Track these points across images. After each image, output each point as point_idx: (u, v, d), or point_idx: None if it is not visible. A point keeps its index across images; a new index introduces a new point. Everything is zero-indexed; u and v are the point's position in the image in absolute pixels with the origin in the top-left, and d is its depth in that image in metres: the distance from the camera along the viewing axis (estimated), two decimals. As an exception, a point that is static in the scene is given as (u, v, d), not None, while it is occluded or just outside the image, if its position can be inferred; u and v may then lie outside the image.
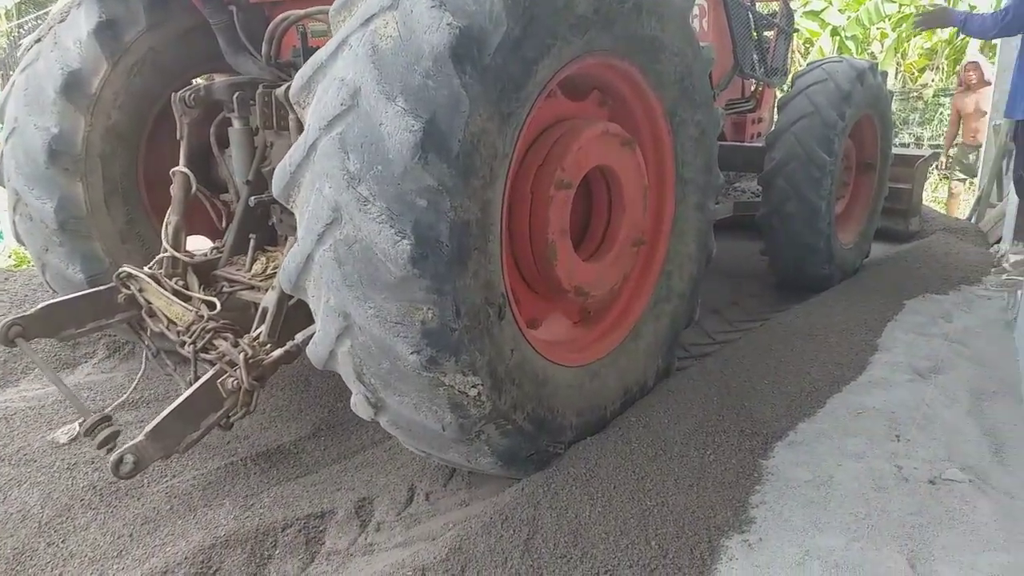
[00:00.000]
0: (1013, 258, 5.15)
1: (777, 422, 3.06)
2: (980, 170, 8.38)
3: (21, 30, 15.02)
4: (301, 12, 3.01)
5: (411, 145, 2.00)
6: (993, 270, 5.28)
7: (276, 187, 2.28)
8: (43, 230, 3.45)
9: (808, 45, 14.47)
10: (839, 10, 14.13)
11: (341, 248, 2.12)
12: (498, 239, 2.31)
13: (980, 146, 8.71)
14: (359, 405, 2.40)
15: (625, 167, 2.97)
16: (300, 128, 2.50)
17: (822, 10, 13.88)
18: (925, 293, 4.80)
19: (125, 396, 3.47)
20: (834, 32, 14.00)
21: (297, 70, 2.84)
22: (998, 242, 6.12)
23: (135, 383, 3.45)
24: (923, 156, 6.45)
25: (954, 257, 5.61)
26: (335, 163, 2.08)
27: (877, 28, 14.38)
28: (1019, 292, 4.37)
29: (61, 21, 3.51)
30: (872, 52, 14.38)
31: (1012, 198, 5.65)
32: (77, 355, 4.12)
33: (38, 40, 3.53)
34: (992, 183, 7.30)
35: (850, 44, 13.96)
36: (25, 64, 3.50)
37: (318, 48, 2.40)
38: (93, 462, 3.10)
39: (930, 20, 5.65)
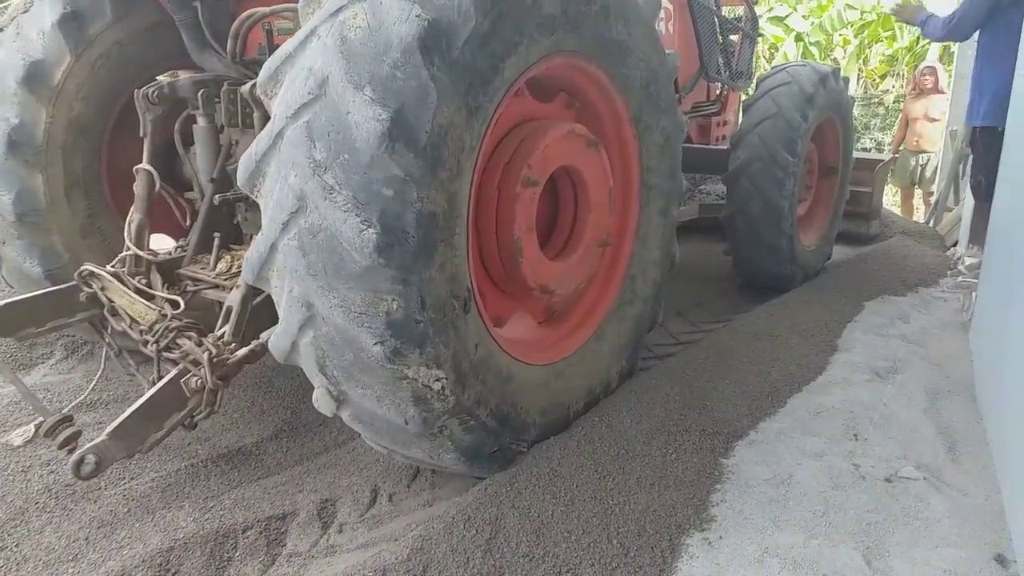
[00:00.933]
0: (968, 261, 5.27)
1: (738, 421, 3.10)
2: (938, 175, 8.56)
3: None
4: (266, 9, 2.98)
5: (378, 134, 1.99)
6: (949, 273, 5.40)
7: (241, 176, 2.26)
8: (0, 223, 3.39)
9: (773, 50, 14.69)
10: (803, 16, 14.36)
11: (306, 237, 2.10)
12: (464, 233, 2.31)
13: (923, 152, 8.88)
14: (321, 400, 2.37)
15: (591, 168, 2.99)
16: (266, 124, 2.45)
17: (786, 16, 14.09)
18: (884, 295, 4.89)
19: (84, 396, 3.41)
20: (798, 38, 14.22)
21: (262, 66, 2.85)
22: (954, 245, 6.26)
23: (93, 383, 3.40)
24: (883, 161, 6.60)
25: (912, 260, 5.72)
26: (301, 151, 2.07)
27: (840, 34, 14.64)
28: (973, 294, 4.47)
29: (24, 12, 3.43)
30: (835, 58, 14.63)
31: (968, 202, 5.79)
32: (34, 356, 4.03)
33: (0, 30, 3.45)
34: (949, 187, 7.47)
35: (814, 49, 14.20)
36: None
37: (281, 43, 2.45)
38: (48, 464, 3.04)
39: (901, 13, 5.85)
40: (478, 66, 2.20)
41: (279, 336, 2.33)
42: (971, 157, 5.55)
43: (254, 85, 2.65)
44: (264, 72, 2.25)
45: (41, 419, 2.68)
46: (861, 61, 14.70)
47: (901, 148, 9.10)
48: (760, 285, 5.04)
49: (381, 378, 2.21)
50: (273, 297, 2.33)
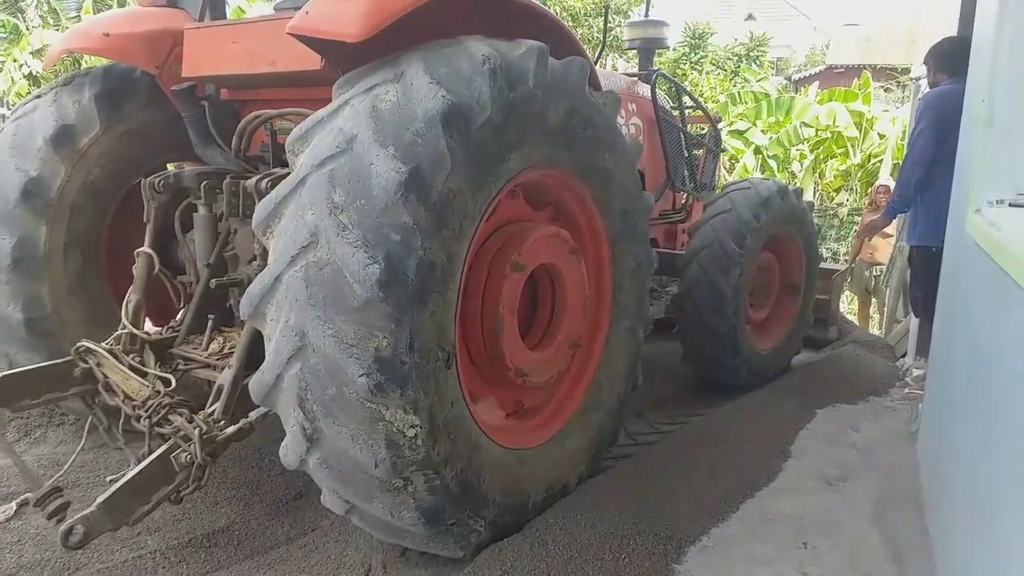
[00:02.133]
0: (915, 372, 5.45)
1: (691, 527, 3.13)
2: (888, 288, 8.89)
3: None
4: (274, 112, 3.27)
5: (396, 183, 2.27)
6: (898, 383, 5.56)
7: (257, 217, 2.48)
8: (7, 330, 3.53)
9: (733, 161, 15.33)
10: (762, 131, 15.09)
11: (312, 269, 2.30)
12: (457, 291, 2.54)
13: (877, 264, 9.29)
14: (290, 445, 2.45)
15: (570, 271, 3.26)
16: None
17: (746, 130, 14.80)
18: (835, 403, 5.01)
19: (65, 468, 3.39)
20: (757, 151, 14.90)
21: (264, 164, 3.32)
22: (903, 356, 6.46)
23: (73, 457, 3.40)
24: (839, 270, 6.94)
25: (863, 369, 5.88)
26: (322, 194, 2.31)
27: (797, 149, 15.37)
28: (920, 406, 4.62)
29: (65, 85, 3.69)
30: (792, 171, 15.31)
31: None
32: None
33: (38, 96, 3.71)
34: (897, 300, 7.75)
35: (772, 163, 14.86)
36: (19, 114, 3.66)
37: (284, 143, 2.77)
38: (18, 542, 2.96)
39: (872, 228, 6.49)
40: (488, 149, 2.55)
41: (264, 371, 2.43)
42: (910, 273, 5.82)
43: (259, 179, 2.97)
44: (295, 133, 2.53)
45: (26, 496, 2.81)
46: (817, 175, 15.40)
47: (857, 259, 9.49)
48: (705, 375, 5.22)
49: (359, 416, 2.31)
50: (265, 333, 2.46)
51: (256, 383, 2.49)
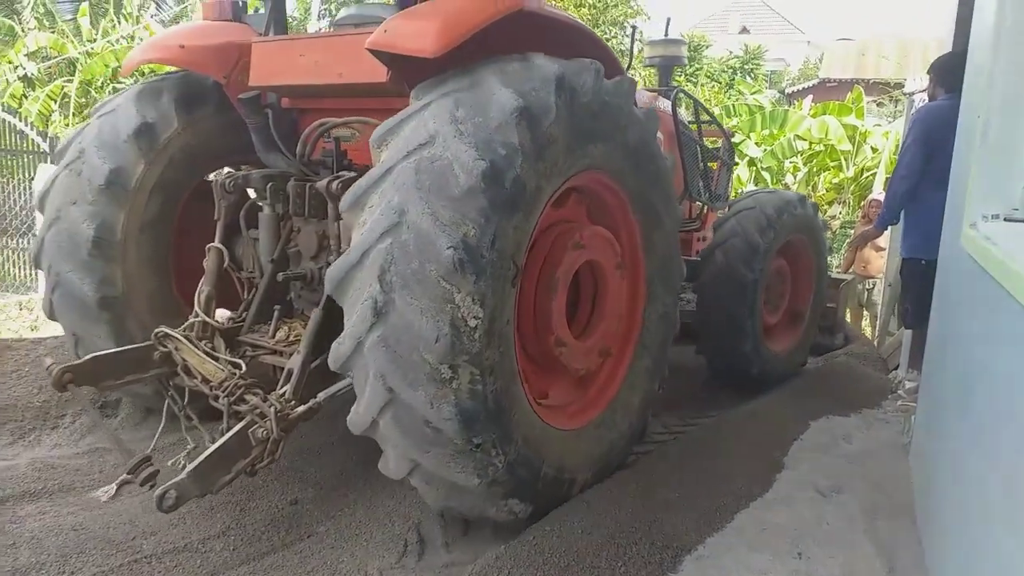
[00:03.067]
0: (908, 385, 5.49)
1: (687, 535, 3.15)
2: (880, 300, 8.95)
3: None
4: (339, 120, 3.54)
5: (512, 109, 2.71)
6: (890, 395, 5.60)
7: (346, 201, 2.79)
8: (82, 308, 3.74)
9: (727, 172, 15.39)
10: (756, 143, 15.17)
11: (424, 161, 2.66)
12: (532, 228, 2.93)
13: (870, 277, 9.34)
14: (356, 323, 2.67)
15: (614, 282, 3.61)
16: (337, 216, 3.29)
17: (740, 142, 14.86)
18: (829, 415, 5.04)
19: (151, 447, 3.57)
20: (751, 163, 14.98)
21: (325, 168, 3.61)
22: (896, 368, 6.50)
23: (156, 436, 3.65)
24: (846, 279, 7.29)
25: (856, 381, 5.93)
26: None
27: (790, 162, 15.45)
28: (913, 417, 4.65)
29: (144, 88, 3.92)
30: (785, 183, 15.39)
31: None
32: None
33: (116, 97, 3.96)
34: (890, 312, 7.80)
35: (766, 175, 14.94)
36: (103, 112, 3.89)
37: (346, 150, 3.55)
38: (12, 545, 2.95)
39: (864, 237, 6.71)
40: (558, 144, 2.93)
41: (352, 251, 2.70)
42: (901, 286, 5.88)
43: (330, 181, 3.30)
44: (382, 128, 2.86)
45: (124, 477, 3.09)
46: (810, 188, 15.49)
47: (851, 271, 9.54)
48: (719, 366, 5.48)
49: (433, 293, 2.57)
50: (360, 221, 2.74)
51: (338, 265, 2.73)
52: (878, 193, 11.12)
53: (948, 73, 4.97)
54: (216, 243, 3.75)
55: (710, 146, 6.20)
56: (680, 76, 23.52)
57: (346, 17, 4.08)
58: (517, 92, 2.79)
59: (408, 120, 2.82)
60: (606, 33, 18.41)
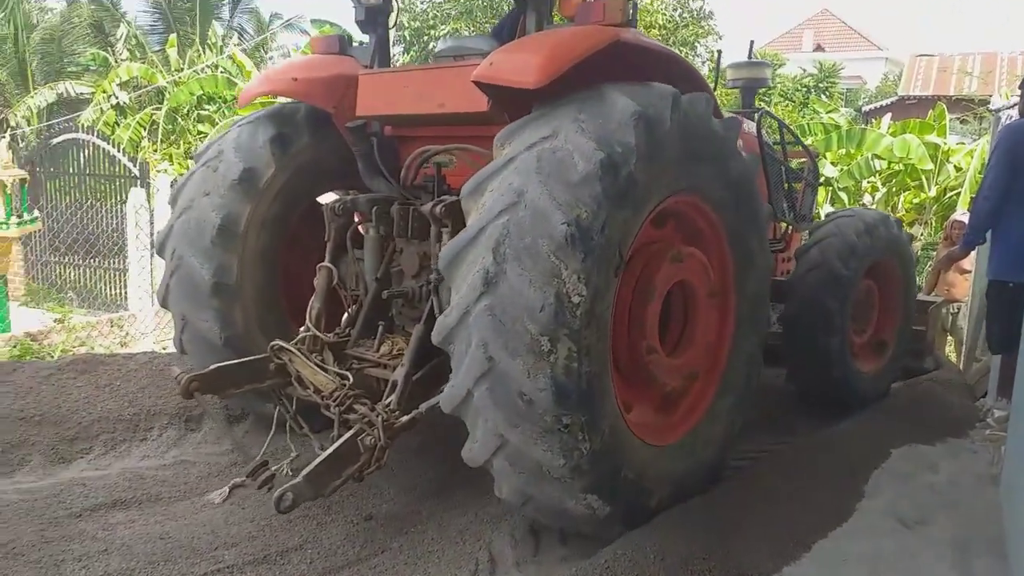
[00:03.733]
0: (997, 413, 5.26)
1: (763, 564, 3.09)
2: (965, 324, 8.60)
3: (50, 130, 15.65)
4: (440, 148, 3.75)
5: (595, 162, 2.83)
6: (978, 424, 5.38)
7: (467, 188, 3.00)
8: (195, 292, 3.98)
9: (802, 193, 15.06)
10: (832, 163, 14.82)
11: (545, 152, 2.87)
12: (638, 225, 3.12)
13: (955, 301, 8.97)
14: (466, 292, 2.84)
15: (705, 308, 3.68)
16: (439, 237, 3.45)
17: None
18: (913, 443, 4.86)
19: (259, 456, 3.79)
20: (827, 183, 14.63)
21: (426, 192, 3.83)
22: (983, 396, 6.23)
23: (265, 445, 3.87)
24: (936, 302, 6.98)
25: (941, 408, 5.70)
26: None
27: (868, 181, 15.03)
28: (1003, 448, 4.45)
29: (240, 129, 4.18)
30: (863, 203, 14.97)
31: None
32: (74, 450, 4.16)
33: (219, 138, 4.25)
34: (976, 337, 7.48)
35: (842, 195, 14.56)
36: (206, 159, 4.15)
37: (444, 175, 3.78)
38: (80, 560, 3.10)
39: (949, 259, 6.33)
40: (668, 154, 3.14)
41: (470, 227, 2.90)
42: (987, 309, 5.65)
43: (434, 205, 3.41)
44: (503, 133, 3.08)
45: (236, 481, 3.46)
46: (889, 208, 15.02)
47: (934, 294, 9.20)
48: (810, 391, 5.40)
49: (542, 266, 2.73)
50: (479, 204, 2.93)
51: (451, 245, 2.93)
52: (961, 214, 10.72)
53: None
54: (326, 263, 3.99)
55: (795, 167, 6.18)
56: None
57: (445, 50, 4.29)
58: (636, 101, 3.01)
59: (531, 121, 3.05)
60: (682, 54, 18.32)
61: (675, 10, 18.40)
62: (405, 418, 3.32)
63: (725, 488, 3.78)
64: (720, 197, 3.57)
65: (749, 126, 5.54)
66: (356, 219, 4.09)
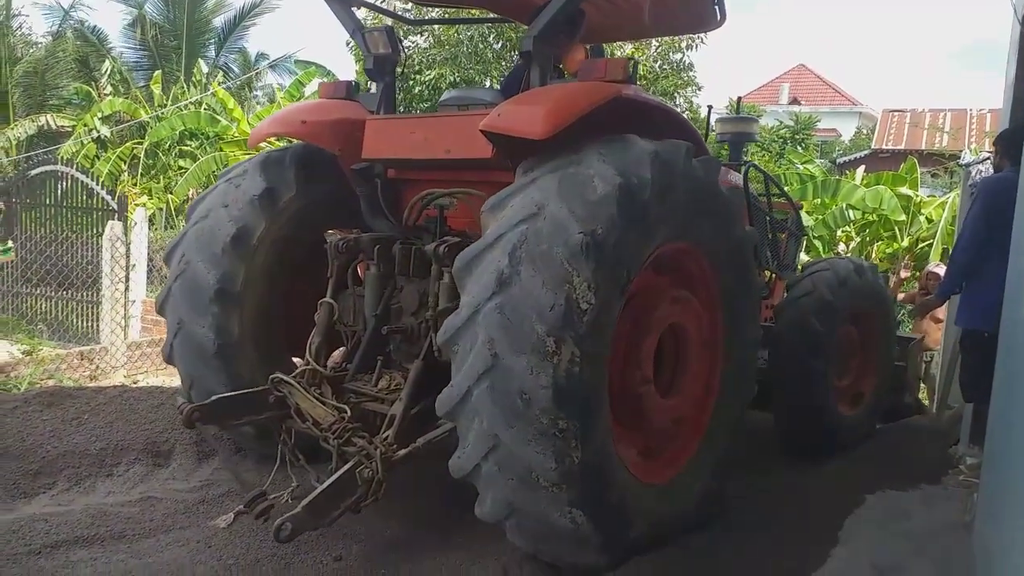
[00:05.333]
0: (969, 460, 5.29)
1: (737, 609, 3.05)
2: (938, 372, 8.68)
3: (28, 162, 15.56)
4: (444, 191, 3.93)
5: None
6: (951, 471, 5.40)
7: (488, 205, 3.19)
8: (197, 296, 4.03)
9: (778, 241, 15.27)
10: (807, 212, 15.05)
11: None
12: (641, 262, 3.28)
13: (928, 350, 9.08)
14: (478, 292, 2.97)
15: (696, 357, 3.81)
16: (439, 275, 3.57)
17: (791, 211, 14.78)
18: (887, 488, 4.87)
19: (265, 485, 3.75)
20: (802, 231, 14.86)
21: (428, 233, 3.99)
22: (956, 443, 6.27)
23: (270, 478, 3.82)
24: (915, 338, 7.23)
25: (914, 454, 5.73)
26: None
27: (843, 231, 15.27)
28: (975, 495, 4.47)
29: (267, 157, 4.34)
30: (838, 252, 15.19)
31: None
32: (36, 485, 4.05)
33: (243, 165, 4.38)
34: (948, 385, 7.55)
35: (817, 243, 14.77)
36: (230, 176, 4.30)
37: (446, 217, 3.91)
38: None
39: (924, 307, 6.87)
40: (679, 196, 3.36)
41: (487, 237, 3.05)
42: (960, 358, 5.72)
43: (437, 245, 3.58)
44: (528, 162, 3.30)
45: (241, 508, 3.50)
46: (863, 256, 15.26)
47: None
48: (797, 443, 5.44)
49: (555, 270, 2.89)
50: (500, 217, 3.07)
51: (470, 249, 3.08)
52: (935, 265, 10.93)
53: (1013, 145, 4.94)
54: (327, 298, 4.08)
55: (779, 217, 6.34)
56: (724, 145, 23.60)
57: (450, 99, 4.49)
58: (655, 145, 3.29)
59: (556, 152, 3.25)
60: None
61: (655, 61, 18.73)
62: (402, 452, 3.38)
63: (700, 535, 3.75)
64: (719, 255, 3.74)
65: (736, 178, 5.71)
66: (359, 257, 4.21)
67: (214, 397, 3.79)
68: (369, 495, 3.25)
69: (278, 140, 6.52)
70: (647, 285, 3.53)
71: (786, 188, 15.55)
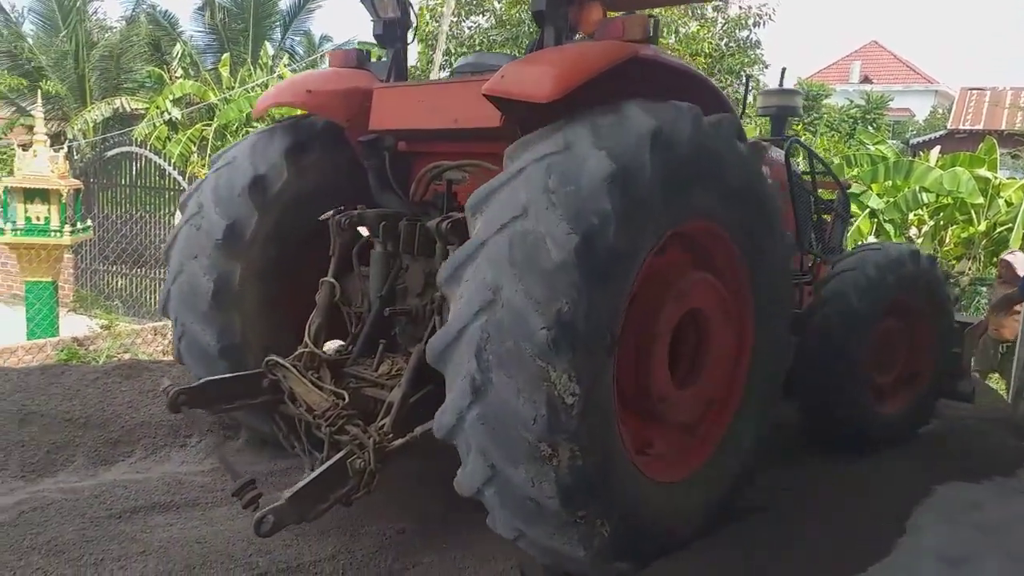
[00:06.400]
0: (1048, 453, 5.09)
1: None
2: (1015, 364, 8.36)
3: (104, 144, 16.12)
4: (452, 163, 3.65)
5: (607, 173, 2.69)
6: (1027, 464, 5.21)
7: (472, 201, 2.87)
8: (192, 300, 3.88)
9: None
10: (878, 195, 14.61)
11: (517, 236, 2.68)
12: (630, 288, 2.90)
13: (1005, 341, 8.72)
14: (456, 398, 2.70)
15: (723, 332, 3.50)
16: (444, 254, 3.25)
17: (861, 193, 14.35)
18: (958, 480, 4.73)
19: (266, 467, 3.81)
20: (872, 214, 14.42)
21: (436, 209, 3.71)
22: (1033, 436, 6.04)
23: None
24: (972, 323, 6.58)
25: (988, 446, 5.54)
26: (539, 179, 2.72)
27: (915, 214, 14.77)
28: (1053, 489, 4.31)
29: (258, 138, 4.08)
30: (910, 236, 14.72)
31: (1047, 393, 5.65)
32: (116, 453, 4.24)
33: (234, 146, 4.15)
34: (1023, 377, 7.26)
35: (888, 227, 14.32)
36: (221, 164, 4.03)
37: (456, 192, 3.61)
38: (119, 560, 3.15)
39: (1000, 307, 6.42)
40: (655, 201, 2.90)
41: (450, 324, 2.74)
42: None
43: (439, 221, 3.32)
44: (513, 146, 2.94)
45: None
46: (936, 242, 14.75)
47: (984, 335, 8.98)
48: (821, 431, 5.06)
49: (529, 372, 2.58)
50: (456, 294, 2.76)
51: (437, 340, 2.77)
52: (1008, 253, 10.49)
53: None
54: (329, 277, 3.85)
55: (825, 198, 6.01)
56: (798, 125, 23.04)
57: (464, 65, 4.24)
58: (655, 117, 2.86)
59: (544, 133, 2.91)
60: (722, 82, 18.30)
61: (721, 39, 18.35)
62: (399, 441, 3.19)
63: (758, 523, 3.69)
64: (737, 225, 3.40)
65: (778, 155, 5.43)
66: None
67: (203, 380, 3.64)
68: (361, 487, 3.07)
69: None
70: (648, 288, 3.13)
71: (856, 169, 15.17)
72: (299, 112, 4.34)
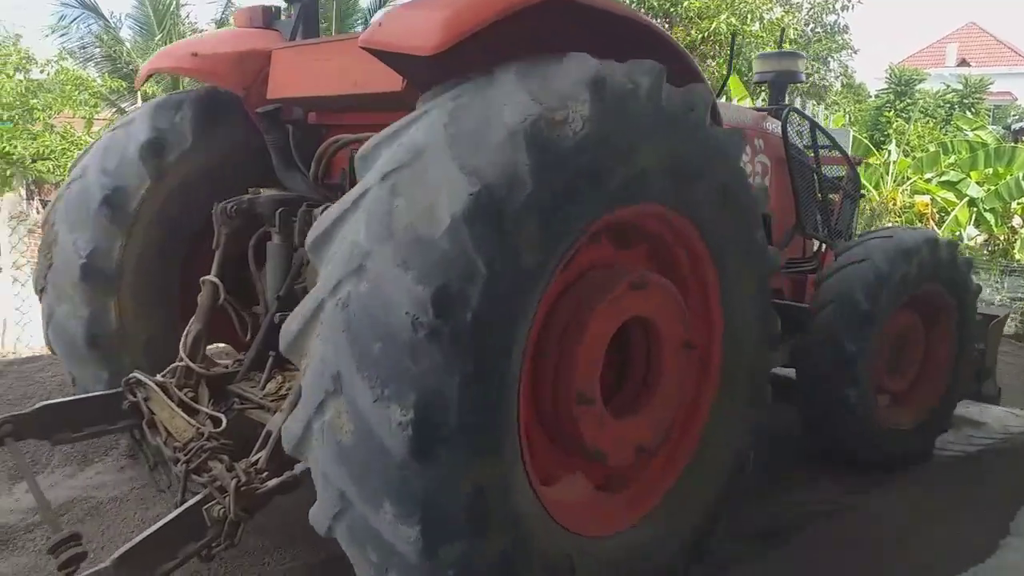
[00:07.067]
0: None
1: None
2: None
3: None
4: (351, 136, 2.99)
5: (466, 196, 2.02)
6: None
7: (362, 152, 2.27)
8: (65, 282, 3.37)
9: (943, 214, 14.21)
10: (977, 183, 13.90)
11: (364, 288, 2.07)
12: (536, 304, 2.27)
13: None
14: (299, 413, 2.17)
15: (673, 358, 2.82)
16: None
17: (959, 181, 13.68)
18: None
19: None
20: (971, 203, 13.73)
21: (342, 191, 2.64)
22: None
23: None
24: (997, 316, 5.78)
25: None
26: (383, 208, 2.11)
27: (1018, 203, 13.99)
28: None
29: (162, 103, 3.58)
30: (1012, 226, 13.97)
31: None
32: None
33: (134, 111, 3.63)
34: None
35: (988, 216, 13.60)
36: (116, 126, 3.57)
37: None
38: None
39: None
40: (584, 170, 2.29)
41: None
42: None
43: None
44: (374, 140, 2.31)
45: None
46: (1042, 233, 13.94)
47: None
48: (823, 445, 4.54)
49: (394, 371, 1.99)
50: (322, 265, 2.22)
51: (290, 322, 2.23)
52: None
53: None
54: (211, 276, 3.24)
55: (830, 175, 5.40)
56: (890, 111, 22.10)
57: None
58: (534, 99, 2.17)
59: (390, 140, 2.27)
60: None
61: (807, 24, 17.79)
62: (274, 481, 2.49)
63: (793, 550, 3.48)
64: (706, 214, 2.75)
65: (774, 125, 4.92)
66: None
67: (39, 404, 2.97)
68: (223, 538, 2.41)
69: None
70: (579, 286, 2.57)
71: (953, 156, 14.45)
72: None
